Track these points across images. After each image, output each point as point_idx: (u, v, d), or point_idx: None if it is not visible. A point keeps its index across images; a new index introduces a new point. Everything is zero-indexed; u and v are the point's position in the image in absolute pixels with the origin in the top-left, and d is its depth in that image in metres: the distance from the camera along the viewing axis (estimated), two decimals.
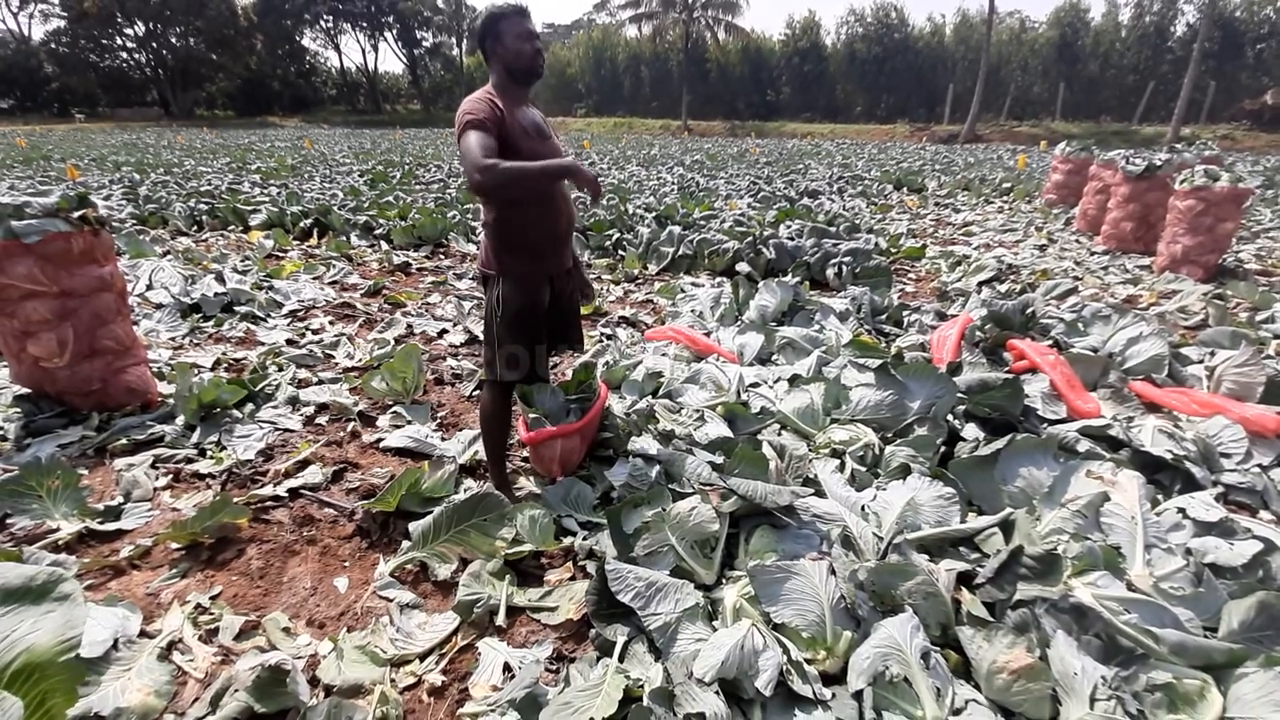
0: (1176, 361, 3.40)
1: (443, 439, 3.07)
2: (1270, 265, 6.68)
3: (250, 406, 3.28)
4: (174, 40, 47.14)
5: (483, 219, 2.37)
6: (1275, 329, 4.66)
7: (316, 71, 58.33)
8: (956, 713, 1.58)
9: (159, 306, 4.73)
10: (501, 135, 2.10)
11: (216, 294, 4.89)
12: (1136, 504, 2.08)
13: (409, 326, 4.69)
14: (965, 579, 1.95)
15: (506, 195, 2.18)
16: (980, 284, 5.76)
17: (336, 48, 58.34)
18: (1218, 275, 6.05)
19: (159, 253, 6.29)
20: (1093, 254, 7.29)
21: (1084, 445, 2.58)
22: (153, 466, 2.78)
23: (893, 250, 7.06)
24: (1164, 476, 2.55)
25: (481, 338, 3.29)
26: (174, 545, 2.30)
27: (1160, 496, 2.36)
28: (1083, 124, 31.66)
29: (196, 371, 3.65)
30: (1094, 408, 2.91)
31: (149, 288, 5.09)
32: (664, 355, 3.79)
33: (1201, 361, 3.41)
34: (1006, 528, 2.13)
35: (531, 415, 2.63)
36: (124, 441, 2.93)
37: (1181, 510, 2.17)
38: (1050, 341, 3.69)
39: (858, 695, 1.60)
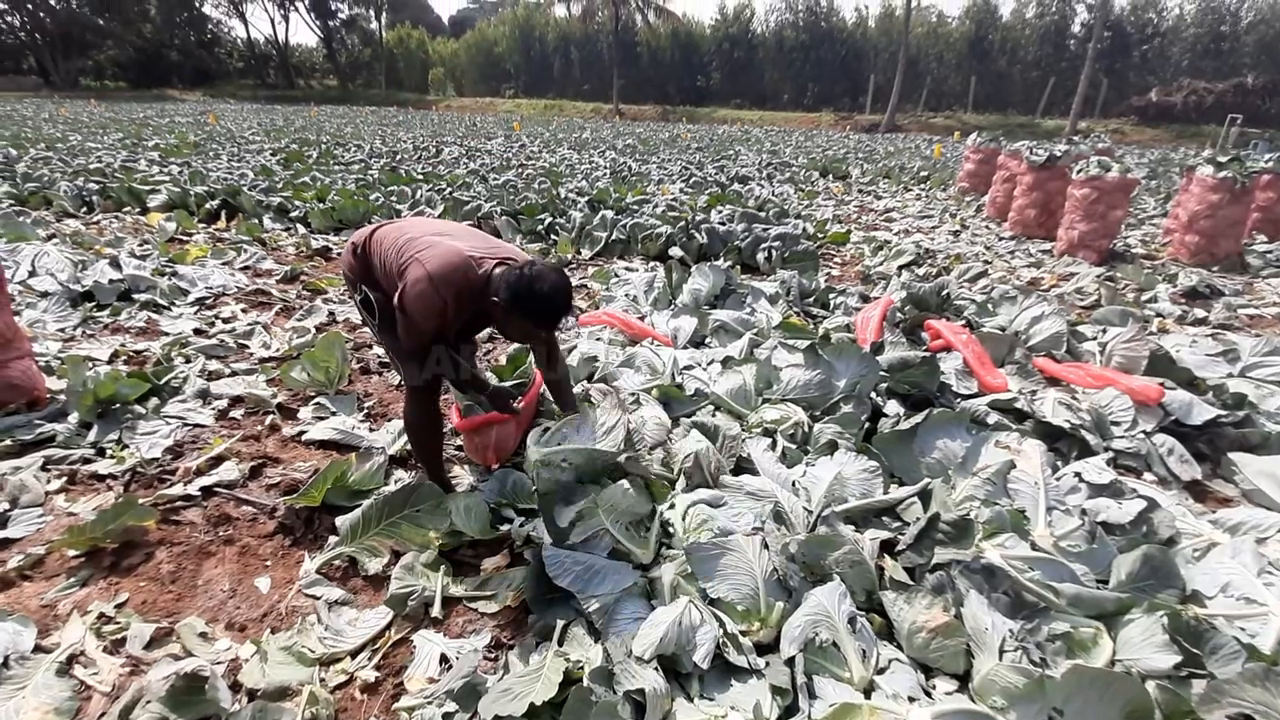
0: (1074, 338, 3.68)
1: (370, 430, 2.96)
2: (1153, 250, 7.30)
3: (155, 401, 3.05)
4: (53, 2, 42.67)
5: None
6: (1157, 308, 5.11)
7: (220, 42, 54.06)
8: (881, 672, 1.67)
9: (44, 295, 4.31)
10: (437, 327, 2.05)
11: (111, 281, 4.50)
12: (1039, 470, 2.24)
13: (331, 314, 4.48)
14: (888, 546, 2.06)
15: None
16: (900, 268, 6.03)
17: (242, 17, 54.01)
18: (1109, 258, 6.56)
19: (42, 236, 5.72)
20: (1001, 239, 7.75)
21: (993, 418, 2.76)
22: (43, 469, 2.55)
23: (819, 235, 7.28)
24: (1063, 444, 2.76)
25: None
26: (71, 552, 2.12)
27: (1059, 463, 2.56)
28: (992, 116, 33.50)
29: (91, 364, 3.37)
30: (1002, 383, 3.11)
31: (31, 274, 4.63)
32: (599, 340, 3.78)
33: (1095, 338, 3.69)
34: (925, 497, 2.25)
35: (464, 403, 2.57)
36: (8, 443, 2.67)
37: (1078, 474, 2.35)
38: (963, 321, 3.92)
39: (790, 662, 1.67)
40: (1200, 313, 4.99)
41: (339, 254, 6.15)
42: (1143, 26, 36.32)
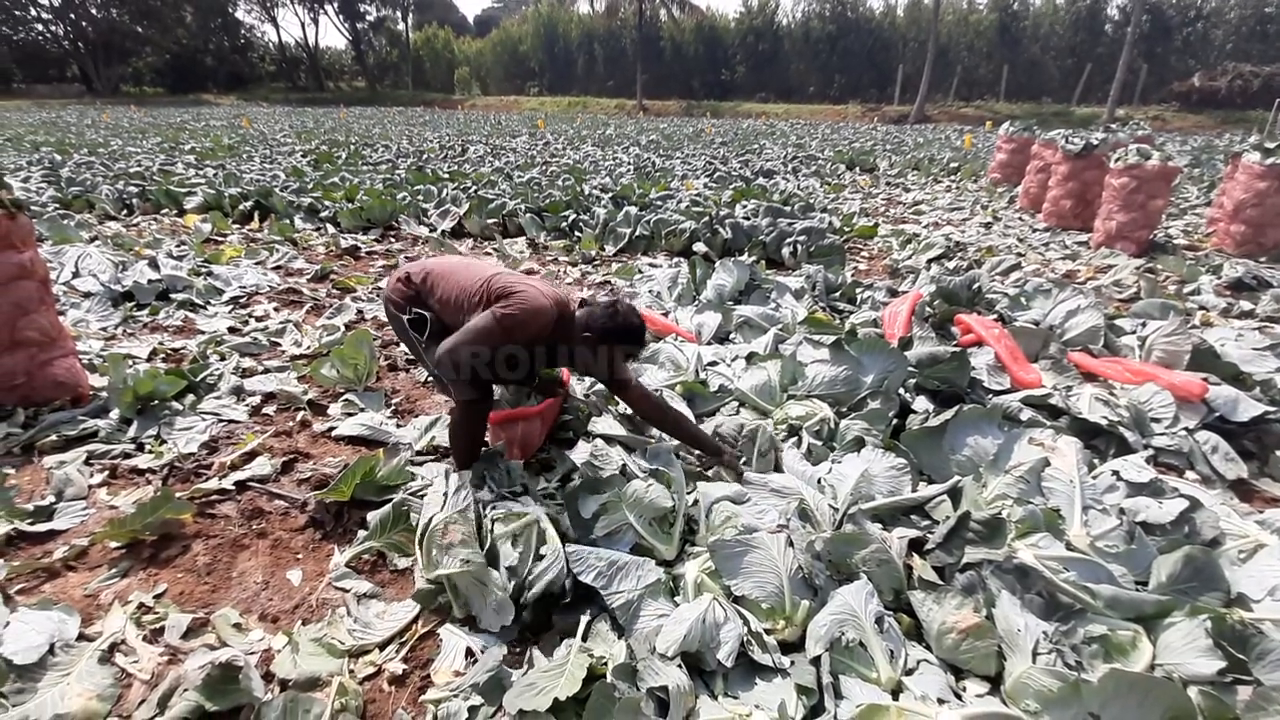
0: (1111, 332, 3.56)
1: (398, 425, 3.00)
2: (1196, 240, 7.05)
3: (191, 398, 3.13)
4: (94, 11, 44.00)
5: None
6: (1201, 300, 4.93)
7: (253, 46, 55.31)
8: (909, 673, 1.64)
9: (87, 295, 4.46)
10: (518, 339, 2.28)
11: (150, 281, 4.64)
12: (1075, 468, 2.18)
13: (359, 312, 4.55)
14: (916, 545, 2.02)
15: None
16: (929, 261, 5.92)
17: (273, 21, 55.10)
18: (1149, 250, 6.35)
19: (85, 238, 5.92)
20: (1034, 231, 7.55)
21: (1026, 414, 2.69)
22: (86, 463, 2.64)
23: (846, 229, 7.17)
24: (1100, 441, 2.68)
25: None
26: (113, 544, 2.19)
27: (1096, 460, 2.48)
28: (1025, 105, 32.63)
29: (131, 362, 3.47)
30: (1035, 378, 3.03)
31: (75, 275, 4.80)
32: None
33: (1134, 332, 3.58)
34: (955, 495, 2.20)
35: None
36: (54, 438, 2.77)
37: (1115, 473, 2.28)
38: (995, 316, 3.82)
39: (815, 661, 1.65)
40: (1246, 305, 4.81)
41: (368, 253, 6.24)
42: (1184, 9, 35.02)
